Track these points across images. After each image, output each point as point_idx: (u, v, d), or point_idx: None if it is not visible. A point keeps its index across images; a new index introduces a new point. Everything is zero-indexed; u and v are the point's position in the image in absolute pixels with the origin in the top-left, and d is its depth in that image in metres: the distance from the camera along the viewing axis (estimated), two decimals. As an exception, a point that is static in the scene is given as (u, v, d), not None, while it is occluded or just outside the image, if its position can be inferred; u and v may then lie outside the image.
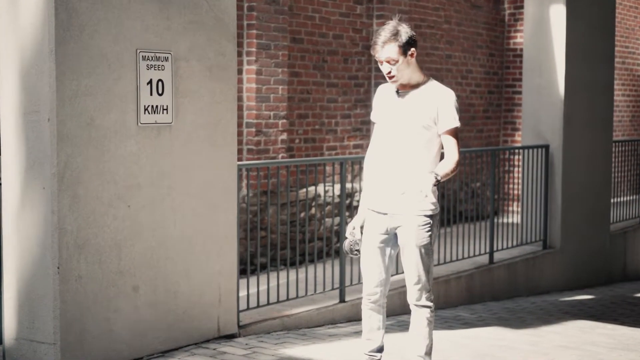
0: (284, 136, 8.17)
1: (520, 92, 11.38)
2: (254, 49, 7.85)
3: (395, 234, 4.54)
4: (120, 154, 5.05)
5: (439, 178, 4.34)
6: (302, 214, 7.94)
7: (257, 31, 7.85)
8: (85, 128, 4.87)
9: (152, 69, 5.17)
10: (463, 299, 8.12)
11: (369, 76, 9.13)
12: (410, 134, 4.43)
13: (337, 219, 8.00)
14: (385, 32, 4.41)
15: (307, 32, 8.60)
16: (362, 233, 4.59)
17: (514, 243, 9.16)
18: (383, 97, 4.60)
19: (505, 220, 9.97)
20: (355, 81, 9.11)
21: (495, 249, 8.69)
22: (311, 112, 8.68)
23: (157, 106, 5.21)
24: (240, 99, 7.87)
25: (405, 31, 4.43)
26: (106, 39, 4.94)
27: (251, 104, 7.89)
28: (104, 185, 4.97)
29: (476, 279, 8.31)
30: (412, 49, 4.44)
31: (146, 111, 5.15)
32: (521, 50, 11.40)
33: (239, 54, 7.83)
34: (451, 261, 8.12)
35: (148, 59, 5.15)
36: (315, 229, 7.60)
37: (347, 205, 7.58)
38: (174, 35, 5.30)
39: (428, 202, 4.46)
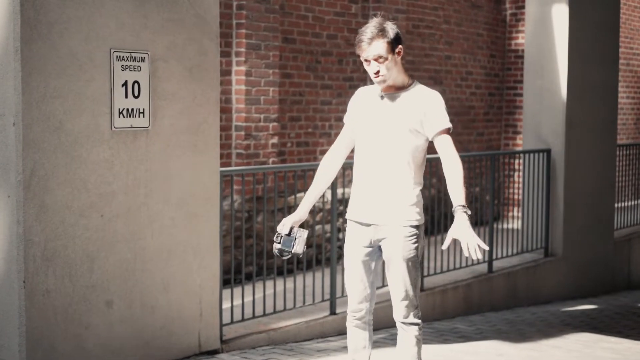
0: (275, 140, 7.90)
1: (521, 95, 11.11)
2: (243, 49, 7.58)
3: (380, 247, 4.25)
4: (93, 160, 4.76)
5: (468, 212, 4.01)
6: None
7: (247, 30, 7.57)
8: (53, 132, 4.58)
9: (128, 69, 4.89)
10: (460, 310, 7.82)
11: (364, 78, 8.87)
12: (396, 139, 4.13)
13: (327, 226, 7.70)
14: (371, 28, 4.10)
15: (299, 32, 8.32)
16: (291, 233, 4.28)
17: (514, 251, 8.88)
18: (363, 100, 4.30)
19: (505, 226, 9.67)
20: (350, 83, 8.86)
21: (494, 257, 8.40)
22: (304, 115, 8.41)
23: (132, 109, 4.92)
24: (229, 101, 7.61)
25: (391, 27, 4.13)
26: (77, 38, 4.65)
27: (240, 107, 7.62)
28: (74, 194, 4.68)
29: (474, 289, 8.02)
30: (400, 47, 4.14)
31: (121, 115, 4.87)
32: (523, 51, 11.18)
33: (228, 55, 7.56)
34: (448, 270, 7.82)
35: (123, 59, 4.86)
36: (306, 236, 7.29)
37: (339, 212, 7.26)
38: (151, 34, 5.01)
39: (413, 211, 4.16)
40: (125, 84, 4.88)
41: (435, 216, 7.88)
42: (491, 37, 11.26)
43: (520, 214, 9.73)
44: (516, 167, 10.35)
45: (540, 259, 9.05)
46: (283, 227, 4.26)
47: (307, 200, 4.37)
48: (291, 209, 6.41)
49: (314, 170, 6.55)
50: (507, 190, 10.96)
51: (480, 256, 3.95)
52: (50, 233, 4.59)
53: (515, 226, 9.88)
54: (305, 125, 8.43)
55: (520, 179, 9.61)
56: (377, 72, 4.11)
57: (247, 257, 7.43)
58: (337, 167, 4.39)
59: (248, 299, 6.33)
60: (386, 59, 4.08)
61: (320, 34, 8.58)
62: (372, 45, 4.08)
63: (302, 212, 4.33)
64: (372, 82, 4.27)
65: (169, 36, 5.09)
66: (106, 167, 4.82)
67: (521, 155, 9.34)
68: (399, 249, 4.15)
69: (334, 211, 6.53)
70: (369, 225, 4.21)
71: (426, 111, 4.12)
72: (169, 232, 5.17)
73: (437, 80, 10.17)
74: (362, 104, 4.28)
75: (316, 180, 4.37)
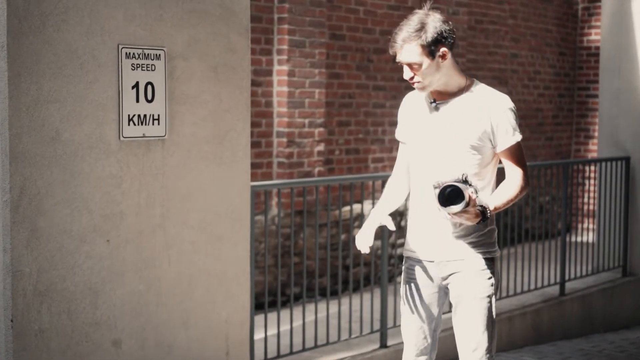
0: (321, 147, 7.25)
1: (594, 96, 10.55)
2: (285, 47, 6.97)
3: (446, 286, 3.48)
4: (97, 176, 4.06)
5: (487, 213, 3.31)
6: (343, 236, 6.95)
7: (290, 26, 6.95)
8: (48, 144, 3.89)
9: (139, 69, 4.20)
10: (529, 339, 6.98)
11: None
12: (455, 158, 3.37)
13: (377, 242, 6.93)
14: (407, 27, 3.34)
15: (349, 27, 7.67)
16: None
17: (589, 270, 8.06)
18: (413, 110, 3.55)
19: (577, 238, 8.81)
20: (405, 84, 7.97)
21: (567, 277, 7.56)
22: (354, 119, 7.75)
23: (145, 116, 4.23)
24: (269, 104, 6.99)
25: (433, 26, 3.34)
26: (77, 32, 3.96)
27: (282, 111, 6.99)
28: (74, 215, 3.98)
29: (544, 315, 7.19)
30: (443, 49, 3.35)
31: (131, 122, 4.17)
32: (596, 48, 10.56)
33: (269, 53, 6.94)
34: (515, 294, 7.00)
35: (133, 57, 4.17)
36: (351, 254, 6.56)
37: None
38: (168, 28, 4.31)
39: (486, 241, 3.43)
40: (136, 85, 4.19)
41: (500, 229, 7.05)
42: (561, 34, 10.67)
43: (593, 226, 9.02)
44: (590, 174, 9.55)
45: (618, 278, 8.24)
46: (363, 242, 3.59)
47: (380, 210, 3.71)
48: (338, 224, 5.69)
49: (362, 183, 5.90)
50: (579, 199, 10.14)
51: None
52: (44, 262, 3.90)
53: (587, 239, 9.04)
54: (356, 130, 7.79)
55: (594, 188, 8.86)
56: (411, 79, 3.39)
57: (287, 277, 6.71)
58: (404, 195, 3.70)
59: (285, 327, 5.61)
60: (420, 65, 3.32)
61: (373, 30, 7.92)
62: (403, 49, 3.34)
63: (380, 212, 3.66)
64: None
65: (189, 30, 4.39)
66: (113, 184, 4.12)
67: (596, 163, 8.57)
68: (471, 287, 3.42)
69: (384, 228, 5.75)
70: (432, 261, 3.47)
71: (492, 122, 3.36)
72: (189, 258, 4.46)
73: (501, 80, 9.47)
74: (411, 114, 3.55)
75: (383, 202, 3.73)
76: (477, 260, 3.42)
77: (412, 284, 3.53)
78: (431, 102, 3.44)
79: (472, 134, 3.36)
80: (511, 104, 3.40)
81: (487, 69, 9.39)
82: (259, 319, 5.52)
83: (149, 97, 4.24)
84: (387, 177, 5.87)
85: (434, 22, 3.32)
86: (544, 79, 10.41)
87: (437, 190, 3.20)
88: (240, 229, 4.71)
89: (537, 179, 7.64)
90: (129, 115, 4.16)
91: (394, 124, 8.20)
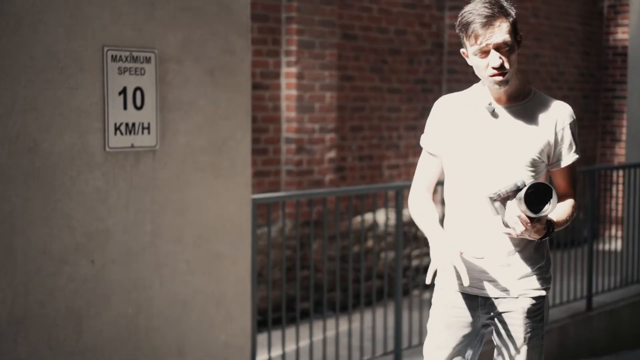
0: (332, 154, 6.93)
1: (621, 97, 10.22)
2: (294, 48, 6.64)
3: (485, 326, 3.03)
4: (80, 191, 3.72)
5: (553, 229, 2.83)
6: (356, 248, 6.59)
7: (299, 25, 6.63)
8: (24, 156, 3.55)
9: (127, 73, 3.87)
10: (554, 358, 6.55)
11: (440, 79, 7.89)
12: (511, 174, 2.88)
13: (391, 253, 6.56)
14: (484, 3, 2.86)
15: (362, 27, 7.36)
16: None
17: (616, 281, 7.60)
18: (453, 116, 3.01)
19: (603, 247, 8.39)
20: (422, 86, 7.85)
21: (594, 290, 7.13)
22: (367, 123, 7.42)
23: (134, 124, 3.90)
24: (277, 108, 6.67)
25: (509, 6, 2.92)
26: (57, 33, 3.63)
27: (291, 115, 6.67)
28: (54, 234, 3.64)
29: (570, 331, 6.77)
30: (521, 33, 2.94)
31: (118, 131, 3.84)
32: (623, 48, 10.29)
33: (276, 54, 6.63)
34: (539, 310, 6.56)
35: (120, 60, 3.83)
36: (362, 266, 6.19)
37: (405, 237, 6.14)
38: (159, 28, 3.98)
39: (541, 275, 2.96)
40: (123, 91, 3.86)
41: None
42: (586, 32, 10.38)
43: (620, 234, 8.60)
44: (616, 180, 9.15)
45: (647, 291, 7.78)
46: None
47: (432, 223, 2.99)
48: (350, 235, 5.29)
49: (374, 194, 5.50)
50: (605, 205, 9.71)
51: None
52: (20, 287, 3.56)
53: (613, 247, 8.66)
54: (369, 135, 7.45)
55: (621, 194, 8.44)
56: (499, 68, 2.85)
57: (293, 292, 6.36)
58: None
59: (291, 347, 5.24)
60: (512, 47, 2.85)
61: (387, 29, 7.61)
62: (494, 27, 2.82)
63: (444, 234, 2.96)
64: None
65: (183, 30, 4.05)
66: (98, 199, 3.78)
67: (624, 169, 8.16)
68: (520, 329, 2.94)
69: (398, 236, 5.39)
70: (475, 297, 2.99)
71: (558, 135, 2.92)
72: (183, 278, 4.11)
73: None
74: (452, 121, 3.00)
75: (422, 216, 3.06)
76: (531, 299, 2.95)
77: (445, 321, 3.00)
78: (489, 106, 2.95)
79: (534, 147, 2.90)
80: (574, 116, 2.97)
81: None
82: (262, 338, 5.16)
83: (138, 104, 3.91)
84: (401, 187, 5.54)
85: (507, 4, 2.93)
86: (568, 80, 10.10)
87: (522, 193, 2.68)
88: (240, 246, 4.35)
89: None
90: (115, 124, 3.82)
91: (410, 128, 8.00)
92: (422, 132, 3.11)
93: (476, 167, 2.93)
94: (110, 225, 3.83)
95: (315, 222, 6.42)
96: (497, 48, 2.84)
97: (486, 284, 2.94)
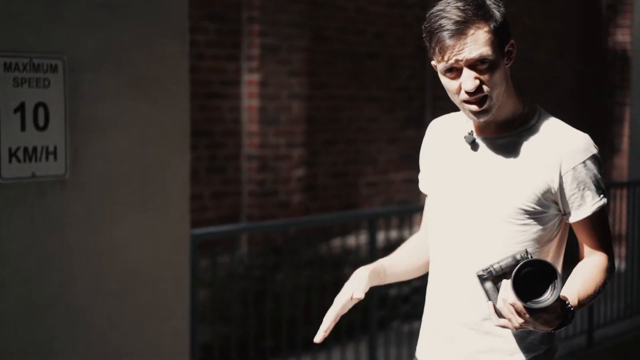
0: (301, 172, 6.57)
1: (622, 103, 9.97)
2: (256, 52, 6.35)
3: None
4: (-38, 234, 3.01)
5: (571, 314, 2.11)
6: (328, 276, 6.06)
7: (261, 26, 6.35)
8: None
9: (26, 85, 3.24)
10: (552, 401, 5.96)
11: (424, 87, 7.58)
12: (498, 230, 2.21)
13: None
14: (460, 6, 2.15)
15: (336, 28, 7.13)
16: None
17: (620, 309, 7.16)
18: (441, 145, 2.37)
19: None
20: (405, 94, 7.51)
21: (595, 321, 6.69)
22: (342, 136, 7.12)
23: (35, 148, 3.27)
24: (237, 121, 6.32)
25: (495, 5, 2.21)
26: None
27: (253, 129, 6.32)
28: None
29: (571, 370, 6.29)
30: (512, 41, 2.25)
31: (14, 157, 3.21)
32: (623, 50, 10.03)
33: (236, 59, 6.28)
34: (536, 349, 6.01)
35: (17, 69, 3.21)
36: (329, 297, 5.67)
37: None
38: (69, 29, 3.33)
39: (540, 333, 2.26)
40: (21, 108, 3.20)
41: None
42: (584, 34, 10.22)
43: (621, 253, 8.13)
44: (619, 195, 8.70)
45: (654, 320, 7.36)
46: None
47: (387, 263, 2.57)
48: (316, 264, 4.73)
49: (342, 223, 4.99)
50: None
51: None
52: None
53: (618, 267, 8.15)
54: (344, 150, 7.13)
55: (623, 211, 7.96)
56: (475, 92, 2.17)
57: (250, 330, 5.79)
58: (424, 261, 2.55)
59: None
60: (493, 63, 2.17)
61: (365, 31, 7.31)
62: (467, 37, 2.15)
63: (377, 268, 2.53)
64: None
65: (100, 31, 3.41)
66: (-12, 244, 3.08)
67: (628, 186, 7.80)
68: None
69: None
70: None
71: (563, 176, 2.21)
72: (103, 338, 3.44)
73: (515, 87, 8.65)
74: (437, 152, 2.38)
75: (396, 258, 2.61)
76: (526, 358, 2.30)
77: None
78: (468, 135, 2.27)
79: (526, 192, 2.20)
80: (595, 149, 2.23)
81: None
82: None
83: (41, 124, 3.25)
84: (378, 213, 5.07)
85: (491, 1, 2.20)
86: (564, 86, 9.98)
87: (512, 275, 1.98)
88: (177, 292, 3.71)
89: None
90: (10, 149, 3.18)
91: (392, 141, 7.66)
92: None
93: (449, 217, 2.30)
94: (5, 277, 3.14)
95: (280, 250, 5.88)
96: (472, 66, 2.15)
97: (467, 346, 2.30)
